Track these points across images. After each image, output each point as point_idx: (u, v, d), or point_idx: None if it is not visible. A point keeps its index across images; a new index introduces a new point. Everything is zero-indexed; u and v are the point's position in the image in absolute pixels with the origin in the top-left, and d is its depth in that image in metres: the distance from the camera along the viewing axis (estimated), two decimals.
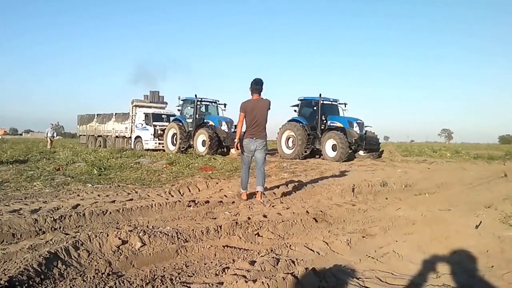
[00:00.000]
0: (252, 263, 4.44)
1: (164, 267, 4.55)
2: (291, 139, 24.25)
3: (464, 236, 5.74)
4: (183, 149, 25.67)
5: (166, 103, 35.23)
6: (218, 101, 27.81)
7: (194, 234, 5.58)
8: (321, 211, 7.58)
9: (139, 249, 4.89)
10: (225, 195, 9.29)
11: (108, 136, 35.38)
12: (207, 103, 27.56)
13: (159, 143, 29.33)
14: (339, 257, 5.07)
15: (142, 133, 30.64)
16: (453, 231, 5.88)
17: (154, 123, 30.18)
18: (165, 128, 28.60)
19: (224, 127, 25.29)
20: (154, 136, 29.70)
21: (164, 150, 26.98)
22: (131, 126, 32.26)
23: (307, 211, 7.61)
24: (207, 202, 8.25)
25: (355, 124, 23.07)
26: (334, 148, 22.37)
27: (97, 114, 37.41)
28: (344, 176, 13.51)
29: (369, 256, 4.96)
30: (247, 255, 5.02)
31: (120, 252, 4.79)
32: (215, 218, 6.94)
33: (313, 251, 5.16)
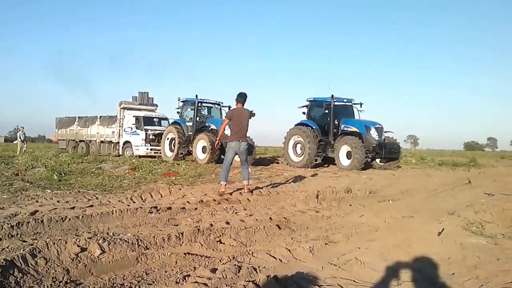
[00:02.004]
0: (214, 270, 4.45)
1: (124, 275, 4.52)
2: (299, 145, 22.15)
3: (427, 243, 5.85)
4: (181, 156, 23.72)
5: (156, 105, 33.35)
6: (222, 103, 25.38)
7: (155, 241, 5.56)
8: (285, 218, 7.63)
9: (98, 257, 4.85)
10: (188, 202, 9.24)
11: (91, 141, 33.11)
12: (209, 105, 25.18)
13: (151, 149, 27.49)
14: (301, 264, 5.10)
15: (132, 138, 28.63)
16: (415, 238, 5.98)
17: (145, 127, 28.26)
18: (158, 133, 27.18)
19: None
20: (146, 142, 27.75)
21: (159, 157, 24.57)
22: (119, 131, 30.22)
23: (270, 218, 7.65)
24: (169, 208, 8.21)
25: (372, 129, 21.03)
26: (348, 155, 20.27)
27: (79, 117, 34.81)
28: (309, 182, 13.59)
29: (332, 264, 5.01)
30: (208, 262, 5.03)
31: (78, 260, 4.74)
32: (177, 225, 6.94)
33: (275, 258, 5.19)
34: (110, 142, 31.23)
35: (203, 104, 24.82)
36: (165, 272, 4.66)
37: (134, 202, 9.07)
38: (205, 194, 10.28)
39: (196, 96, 23.91)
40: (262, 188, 11.68)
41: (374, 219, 7.72)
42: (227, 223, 7.08)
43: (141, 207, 8.06)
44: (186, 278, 4.31)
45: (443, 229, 6.54)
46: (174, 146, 24.11)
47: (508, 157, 49.30)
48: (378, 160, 21.70)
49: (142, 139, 27.89)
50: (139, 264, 4.87)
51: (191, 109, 24.30)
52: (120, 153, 29.19)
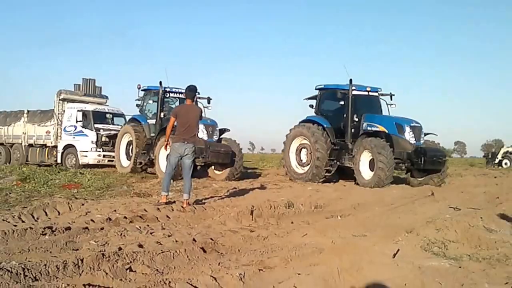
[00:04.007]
0: None
1: None
2: (305, 151, 19.58)
3: (379, 266, 5.94)
4: (141, 166, 21.33)
5: (107, 97, 29.85)
6: (198, 94, 20.77)
7: (46, 271, 5.39)
8: (212, 239, 7.59)
9: None
10: (92, 220, 9.06)
11: (14, 144, 29.54)
12: (180, 95, 21.42)
13: (104, 156, 24.95)
14: None
15: (76, 140, 25.54)
16: (366, 261, 6.06)
17: (96, 125, 25.44)
18: (113, 134, 24.20)
19: (202, 133, 19.17)
20: (97, 146, 24.94)
21: (114, 166, 23.15)
22: (57, 130, 26.96)
23: (194, 239, 7.59)
24: (68, 229, 8.03)
25: (407, 129, 18.13)
26: (372, 165, 17.30)
27: None
28: (243, 196, 13.59)
29: None
30: None
31: None
32: (77, 249, 6.80)
33: None
34: (44, 146, 28.03)
35: (171, 95, 21.81)
36: None
37: (23, 222, 8.81)
38: (114, 211, 10.14)
39: (160, 83, 20.99)
40: (184, 202, 11.60)
41: (319, 239, 7.78)
42: (140, 246, 6.98)
43: (31, 228, 7.85)
44: None
45: (399, 250, 6.67)
46: (132, 152, 21.66)
47: (478, 164, 51.07)
48: (416, 175, 19.15)
49: (92, 142, 25.12)
50: None
51: (154, 101, 21.57)
52: (59, 161, 26.24)
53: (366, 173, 17.49)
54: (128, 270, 5.82)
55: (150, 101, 21.90)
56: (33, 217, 9.31)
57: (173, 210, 10.53)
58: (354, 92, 18.82)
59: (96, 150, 25.00)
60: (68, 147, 26.05)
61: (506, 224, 9.43)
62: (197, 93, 11.93)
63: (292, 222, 9.93)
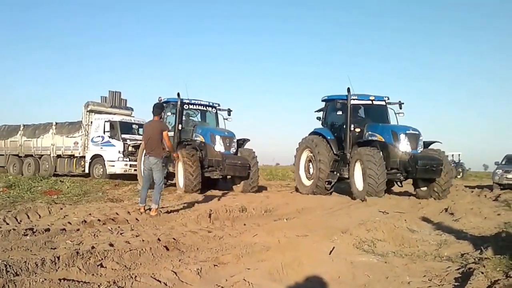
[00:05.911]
0: None
1: None
2: (312, 163, 17.29)
3: (317, 262, 6.00)
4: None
5: (132, 109, 27.80)
6: (218, 105, 19.52)
7: (26, 267, 5.30)
8: (174, 239, 7.55)
9: None
10: (69, 222, 8.95)
11: (43, 155, 27.21)
12: (200, 107, 19.26)
13: (131, 165, 22.38)
14: (187, 287, 5.06)
15: (104, 150, 23.64)
16: (306, 257, 6.12)
17: (123, 135, 23.37)
18: (140, 144, 19.57)
19: (219, 146, 17.38)
20: (124, 155, 22.54)
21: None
22: (85, 141, 24.95)
23: (158, 239, 7.54)
24: (47, 230, 7.88)
25: (402, 136, 15.58)
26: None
27: (25, 125, 28.76)
28: (203, 202, 13.57)
29: (219, 286, 5.02)
30: None
31: None
32: (54, 248, 6.67)
33: (160, 282, 5.11)
34: (72, 156, 25.80)
35: (191, 107, 18.93)
36: None
37: (7, 224, 8.66)
38: (90, 214, 10.05)
39: (178, 94, 17.86)
40: (152, 207, 11.52)
41: (267, 239, 7.80)
42: (111, 245, 6.90)
43: (14, 229, 7.69)
44: None
45: (334, 247, 6.75)
46: None
47: None
48: (420, 184, 16.58)
49: (119, 152, 22.91)
50: None
51: (173, 113, 18.49)
52: (87, 170, 24.41)
53: (359, 183, 15.12)
54: (100, 266, 5.75)
55: (169, 113, 18.71)
56: (17, 219, 9.16)
57: (139, 212, 10.49)
58: (356, 102, 16.65)
59: (123, 160, 22.89)
60: (96, 157, 24.23)
61: (426, 226, 9.70)
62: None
63: (244, 224, 9.93)
